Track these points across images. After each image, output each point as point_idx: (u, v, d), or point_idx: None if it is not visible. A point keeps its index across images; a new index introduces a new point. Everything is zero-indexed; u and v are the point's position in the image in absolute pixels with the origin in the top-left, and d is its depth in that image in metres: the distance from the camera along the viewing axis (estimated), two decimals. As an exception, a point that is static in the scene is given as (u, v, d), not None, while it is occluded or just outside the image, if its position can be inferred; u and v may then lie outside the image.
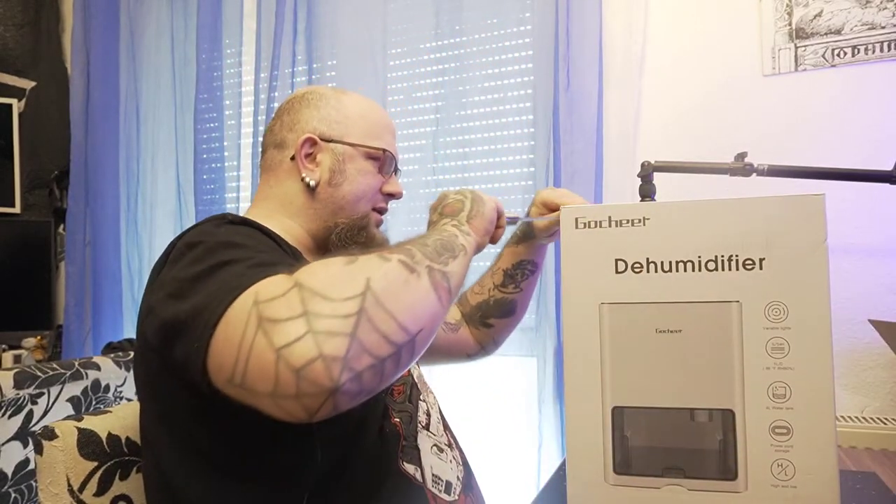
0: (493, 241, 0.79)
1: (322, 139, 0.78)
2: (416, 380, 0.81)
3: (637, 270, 0.64)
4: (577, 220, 0.66)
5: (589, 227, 0.65)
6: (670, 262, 0.63)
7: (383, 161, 0.81)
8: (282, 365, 0.42)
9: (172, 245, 0.63)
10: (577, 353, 0.66)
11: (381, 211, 0.84)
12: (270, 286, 0.47)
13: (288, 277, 0.48)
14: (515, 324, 1.02)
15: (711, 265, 0.62)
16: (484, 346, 1.02)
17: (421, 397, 0.79)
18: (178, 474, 0.61)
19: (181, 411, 0.60)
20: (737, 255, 0.62)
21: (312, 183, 0.77)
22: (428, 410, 0.79)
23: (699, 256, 0.63)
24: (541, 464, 1.42)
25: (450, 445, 0.79)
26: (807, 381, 0.59)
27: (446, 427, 0.82)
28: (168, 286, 0.56)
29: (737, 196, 0.62)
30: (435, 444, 0.75)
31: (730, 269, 0.62)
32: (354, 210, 0.79)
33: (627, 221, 0.64)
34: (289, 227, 0.77)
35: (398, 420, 0.73)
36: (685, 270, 0.63)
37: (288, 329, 0.43)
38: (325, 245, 0.80)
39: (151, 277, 0.63)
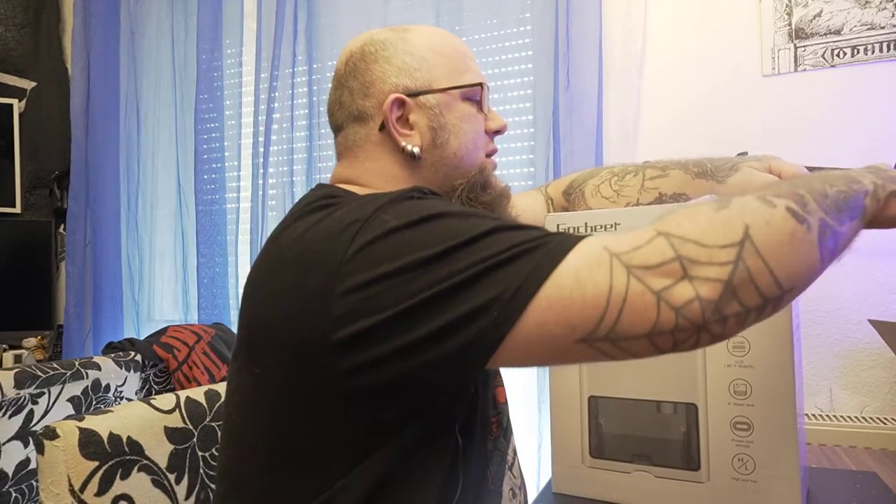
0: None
1: (409, 95, 0.65)
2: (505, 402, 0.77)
3: None
4: (558, 226, 0.72)
5: (568, 232, 0.70)
6: None
7: (481, 96, 0.68)
8: (663, 305, 0.44)
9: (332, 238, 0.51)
10: None
11: (492, 153, 0.72)
12: (625, 239, 0.47)
13: (644, 229, 0.47)
14: None
15: None
16: None
17: (510, 429, 0.75)
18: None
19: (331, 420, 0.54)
20: None
21: (417, 150, 0.64)
22: (514, 447, 0.75)
23: None
24: (541, 464, 1.42)
25: (521, 487, 0.76)
26: (767, 379, 0.61)
27: (520, 466, 0.78)
28: (399, 275, 0.48)
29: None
30: (512, 488, 0.73)
31: None
32: (471, 165, 0.67)
33: (601, 227, 0.70)
34: None
35: (491, 471, 0.69)
36: None
37: (664, 273, 0.44)
38: None
39: (282, 280, 0.54)
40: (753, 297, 0.44)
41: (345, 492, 0.53)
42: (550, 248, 0.47)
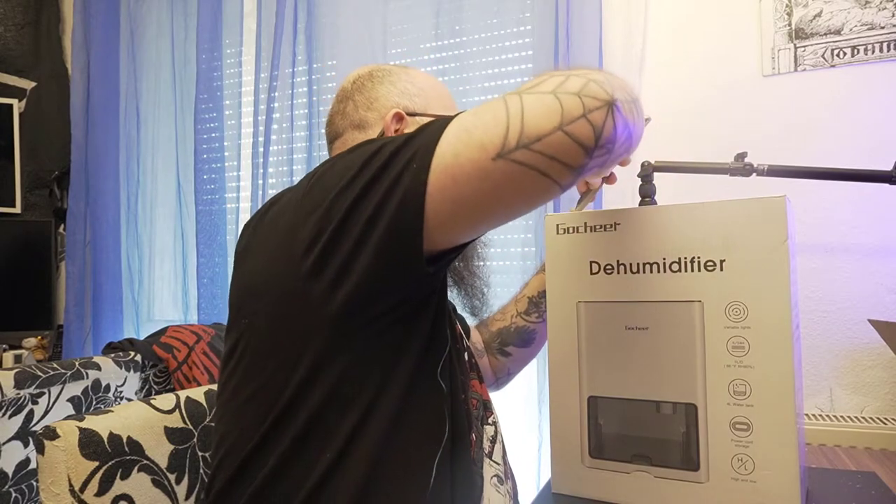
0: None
1: (408, 113, 0.75)
2: (488, 399, 0.80)
3: (609, 272, 0.69)
4: (557, 226, 0.72)
5: (567, 232, 0.71)
6: (638, 264, 0.67)
7: None
8: (562, 96, 0.49)
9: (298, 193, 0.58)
10: (559, 346, 0.72)
11: None
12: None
13: None
14: (531, 356, 0.99)
15: (675, 266, 0.65)
16: (498, 377, 1.01)
17: (490, 420, 0.77)
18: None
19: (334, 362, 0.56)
20: (698, 257, 0.64)
21: None
22: (493, 436, 0.77)
23: (664, 258, 0.66)
24: (541, 464, 1.42)
25: (507, 476, 0.77)
26: (767, 379, 0.61)
27: (504, 453, 0.80)
28: (337, 180, 0.54)
29: (735, 196, 0.63)
30: (496, 475, 0.74)
31: (692, 270, 0.64)
32: None
33: (600, 227, 0.70)
34: None
35: (473, 438, 0.71)
36: (651, 272, 0.67)
37: (553, 79, 0.51)
38: None
39: (260, 227, 0.61)
40: (624, 92, 0.53)
41: (355, 435, 0.56)
42: (453, 114, 0.54)
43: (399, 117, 0.74)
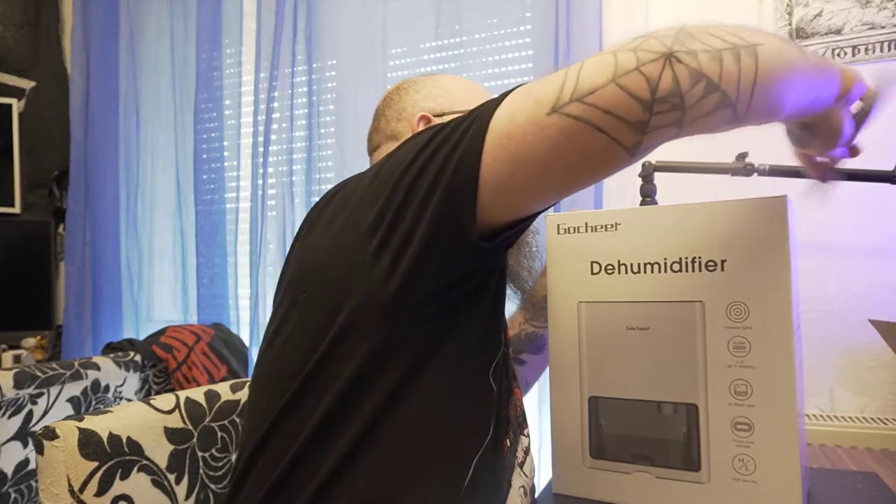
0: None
1: (434, 115, 0.76)
2: (524, 409, 0.79)
3: (610, 272, 0.69)
4: (558, 226, 0.72)
5: (569, 232, 0.71)
6: (639, 264, 0.67)
7: None
8: (619, 52, 0.48)
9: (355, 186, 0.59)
10: (560, 347, 0.72)
11: None
12: None
13: None
14: (545, 364, 0.96)
15: (676, 266, 0.65)
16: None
17: (525, 432, 0.77)
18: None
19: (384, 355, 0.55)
20: (699, 257, 0.64)
21: None
22: (527, 448, 0.76)
23: (664, 258, 0.66)
24: (541, 464, 1.42)
25: (531, 491, 0.76)
26: (768, 379, 0.61)
27: (533, 469, 0.79)
28: (398, 164, 0.55)
29: (736, 196, 0.62)
30: (522, 486, 0.72)
31: (693, 271, 0.64)
32: None
33: (602, 227, 0.69)
34: None
35: (508, 444, 0.70)
36: (652, 272, 0.67)
37: (622, 42, 0.49)
38: None
39: (331, 206, 0.61)
40: (712, 42, 0.52)
41: (378, 419, 0.55)
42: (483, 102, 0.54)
43: (425, 119, 0.76)
